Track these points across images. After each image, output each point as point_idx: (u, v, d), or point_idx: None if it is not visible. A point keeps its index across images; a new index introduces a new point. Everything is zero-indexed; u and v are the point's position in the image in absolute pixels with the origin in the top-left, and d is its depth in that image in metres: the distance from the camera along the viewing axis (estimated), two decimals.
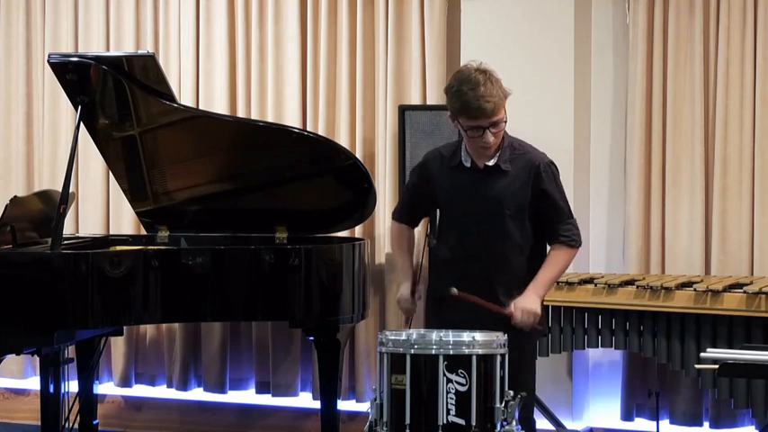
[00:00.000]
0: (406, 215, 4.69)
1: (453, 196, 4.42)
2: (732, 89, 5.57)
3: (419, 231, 5.84)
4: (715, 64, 5.61)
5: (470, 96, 4.22)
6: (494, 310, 4.28)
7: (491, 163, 4.35)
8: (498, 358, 3.95)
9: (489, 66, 4.32)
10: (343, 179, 5.59)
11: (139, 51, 6.14)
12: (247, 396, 6.39)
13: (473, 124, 4.26)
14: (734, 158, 5.58)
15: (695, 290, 5.04)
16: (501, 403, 3.92)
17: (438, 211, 4.63)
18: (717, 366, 3.85)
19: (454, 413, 3.87)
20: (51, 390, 5.41)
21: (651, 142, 5.72)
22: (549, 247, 4.47)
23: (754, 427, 5.38)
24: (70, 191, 5.23)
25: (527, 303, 4.30)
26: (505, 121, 4.31)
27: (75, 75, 5.32)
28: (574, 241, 4.42)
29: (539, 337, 4.68)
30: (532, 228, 4.41)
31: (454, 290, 4.28)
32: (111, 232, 6.42)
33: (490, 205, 4.35)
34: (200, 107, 6.26)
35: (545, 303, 5.31)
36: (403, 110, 5.81)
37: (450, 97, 4.29)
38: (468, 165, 4.39)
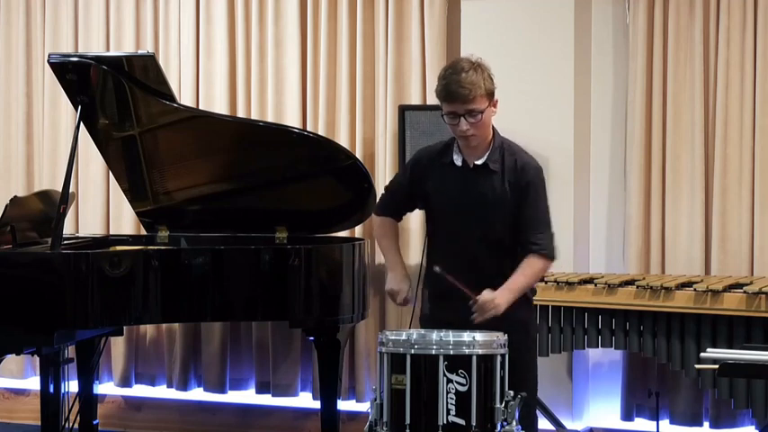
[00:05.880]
0: (390, 210, 4.62)
1: (443, 193, 4.40)
2: (732, 89, 5.57)
3: (419, 230, 5.85)
4: (715, 64, 5.61)
5: (450, 80, 4.23)
6: (466, 293, 4.20)
7: (479, 162, 4.35)
8: (498, 358, 3.95)
9: (486, 61, 4.31)
10: (343, 179, 5.59)
11: (139, 51, 6.14)
12: (247, 396, 6.39)
13: (449, 109, 4.26)
14: (734, 158, 5.58)
15: (695, 290, 5.04)
16: (501, 403, 3.92)
17: (426, 208, 4.56)
18: (717, 366, 3.85)
19: (454, 413, 3.87)
20: (51, 390, 5.42)
21: (651, 142, 5.72)
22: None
23: (754, 427, 5.38)
24: (70, 191, 5.23)
25: (495, 295, 4.21)
26: (482, 112, 4.22)
27: (75, 75, 5.32)
28: (546, 251, 4.32)
29: (534, 332, 4.64)
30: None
31: (437, 268, 4.23)
32: (111, 232, 6.42)
33: (477, 204, 4.33)
34: (201, 107, 6.26)
35: (545, 303, 5.34)
36: (403, 110, 5.81)
37: (437, 82, 4.31)
38: (459, 163, 4.38)
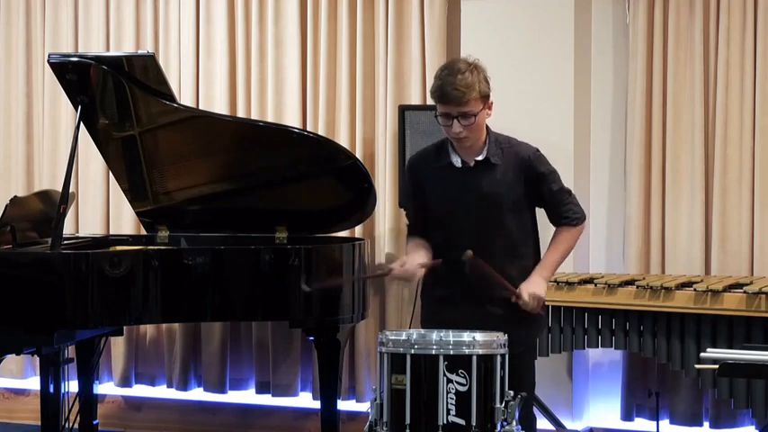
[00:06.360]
0: (419, 230, 4.49)
1: (445, 196, 4.39)
2: (732, 89, 5.57)
3: None
4: (715, 64, 5.61)
5: (445, 81, 4.23)
6: (504, 285, 4.25)
7: (480, 158, 4.35)
8: (498, 358, 3.95)
9: (482, 62, 4.31)
10: (343, 179, 5.59)
11: (139, 51, 6.14)
12: (247, 396, 6.39)
13: (442, 110, 4.26)
14: (734, 158, 5.58)
15: (695, 290, 5.04)
16: (501, 403, 3.92)
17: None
18: (717, 366, 3.85)
19: (454, 413, 3.87)
20: (51, 390, 5.42)
21: (651, 142, 5.72)
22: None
23: (754, 427, 5.38)
24: (70, 191, 5.23)
25: (533, 287, 4.29)
26: (476, 115, 4.23)
27: (75, 75, 5.32)
28: (576, 220, 4.42)
29: (538, 334, 4.66)
30: (531, 217, 4.43)
31: (469, 252, 4.20)
32: (111, 232, 6.42)
33: (487, 201, 4.34)
34: (201, 107, 6.26)
35: (546, 303, 5.34)
36: (403, 110, 5.81)
37: (433, 82, 4.31)
38: (458, 165, 4.38)
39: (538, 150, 4.43)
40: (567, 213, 4.41)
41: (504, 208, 4.34)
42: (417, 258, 4.39)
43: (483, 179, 4.34)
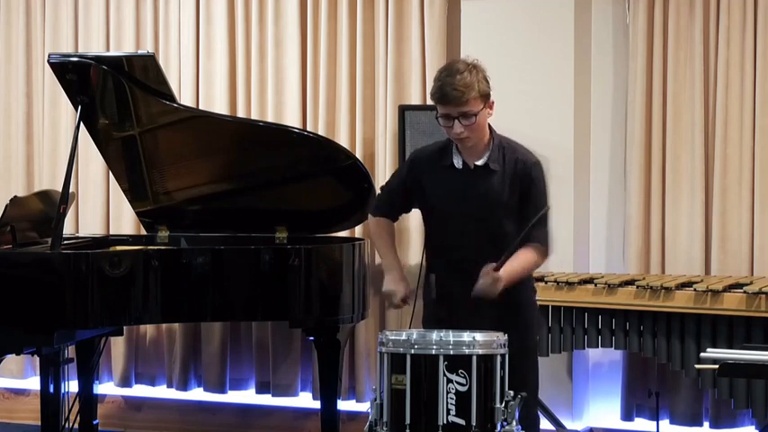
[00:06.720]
0: (386, 210, 4.58)
1: (442, 196, 4.39)
2: (732, 89, 5.57)
3: (419, 230, 5.85)
4: (715, 64, 5.61)
5: (444, 82, 4.23)
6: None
7: (480, 162, 4.34)
8: (498, 358, 3.95)
9: (481, 63, 4.31)
10: (343, 179, 5.59)
11: (139, 51, 6.15)
12: (247, 396, 6.39)
13: (443, 111, 4.26)
14: (734, 158, 5.58)
15: (695, 290, 5.04)
16: (501, 403, 3.92)
17: (425, 212, 4.54)
18: (717, 366, 3.86)
19: (454, 413, 3.87)
20: (51, 390, 5.42)
21: (651, 142, 5.72)
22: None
23: (754, 427, 5.38)
24: (70, 191, 5.23)
25: (495, 276, 4.20)
26: (476, 115, 4.22)
27: (75, 75, 5.32)
28: (546, 247, 4.34)
29: (539, 333, 4.64)
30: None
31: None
32: (111, 232, 6.42)
33: (484, 205, 4.33)
34: (201, 107, 6.26)
35: (545, 303, 5.34)
36: (403, 110, 5.81)
37: (432, 84, 4.31)
38: (459, 165, 4.37)
39: (539, 162, 4.38)
40: (540, 237, 4.30)
41: (501, 213, 4.32)
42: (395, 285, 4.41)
43: (482, 183, 4.34)
